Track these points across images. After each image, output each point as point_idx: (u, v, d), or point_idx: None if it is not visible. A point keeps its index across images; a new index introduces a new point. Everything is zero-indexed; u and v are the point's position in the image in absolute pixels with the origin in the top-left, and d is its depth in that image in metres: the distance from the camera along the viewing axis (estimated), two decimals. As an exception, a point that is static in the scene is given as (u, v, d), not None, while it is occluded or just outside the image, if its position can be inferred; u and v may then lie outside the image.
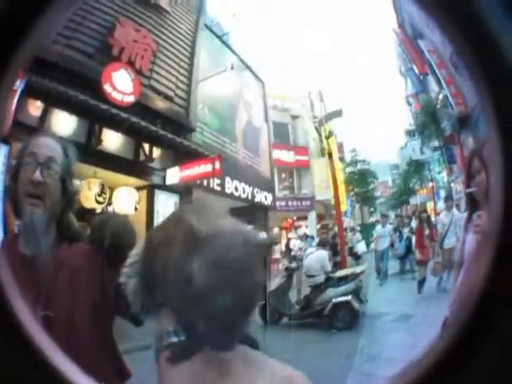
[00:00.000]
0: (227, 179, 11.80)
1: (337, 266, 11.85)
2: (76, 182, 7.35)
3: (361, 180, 30.60)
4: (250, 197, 13.27)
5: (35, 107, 7.33)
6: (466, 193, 2.21)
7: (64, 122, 7.61)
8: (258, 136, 15.41)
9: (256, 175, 14.32)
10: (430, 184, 30.53)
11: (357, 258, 16.12)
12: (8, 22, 0.38)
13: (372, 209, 40.18)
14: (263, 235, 0.95)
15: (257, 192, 13.80)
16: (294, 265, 8.93)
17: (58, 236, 1.46)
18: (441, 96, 20.37)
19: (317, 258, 8.04)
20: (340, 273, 8.41)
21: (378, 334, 6.90)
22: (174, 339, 0.81)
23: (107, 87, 8.22)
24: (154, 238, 0.85)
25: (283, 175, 21.32)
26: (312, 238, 15.76)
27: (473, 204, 2.18)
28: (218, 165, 8.95)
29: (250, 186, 13.22)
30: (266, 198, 14.58)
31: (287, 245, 19.09)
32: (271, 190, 15.39)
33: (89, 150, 7.79)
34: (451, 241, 7.87)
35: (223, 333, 0.79)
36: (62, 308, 1.34)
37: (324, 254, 8.33)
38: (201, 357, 0.81)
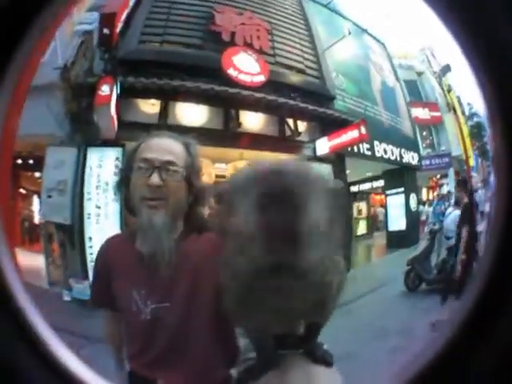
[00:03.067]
0: (375, 142, 10.48)
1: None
2: (221, 166, 6.85)
3: (478, 133, 27.38)
4: (398, 158, 12.01)
5: (148, 105, 6.96)
6: None
7: (192, 113, 7.15)
8: (395, 96, 13.98)
9: (401, 136, 12.96)
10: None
11: None
12: (8, 20, 0.38)
13: (487, 163, 35.78)
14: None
15: (404, 153, 12.43)
16: (436, 226, 7.96)
17: (186, 229, 1.33)
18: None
19: (453, 218, 7.03)
20: None
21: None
22: (251, 355, 0.98)
23: (231, 71, 7.43)
24: None
25: (424, 133, 19.02)
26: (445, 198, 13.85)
27: None
28: (363, 129, 7.95)
29: (397, 147, 11.88)
30: (412, 157, 13.10)
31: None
32: (416, 149, 13.96)
33: (229, 135, 7.29)
34: None
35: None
36: (179, 297, 1.25)
37: (458, 213, 7.11)
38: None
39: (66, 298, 5.77)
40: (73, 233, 6.21)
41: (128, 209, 1.34)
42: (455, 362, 0.39)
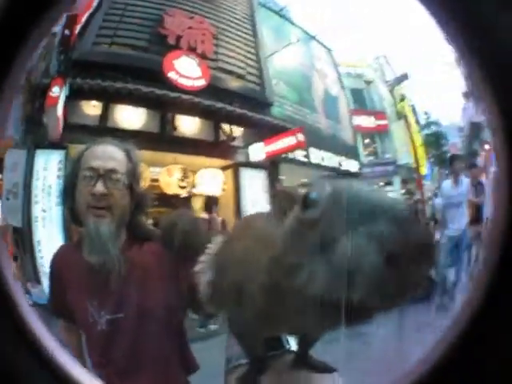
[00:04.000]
0: (312, 150, 10.62)
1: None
2: (155, 170, 7.37)
3: (435, 142, 28.07)
4: (336, 165, 12.10)
5: (90, 107, 7.01)
6: None
7: (130, 116, 7.21)
8: (337, 104, 14.14)
9: (340, 143, 13.08)
10: (487, 147, 27.38)
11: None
12: (8, 24, 0.37)
13: (447, 171, 36.76)
14: None
15: (343, 160, 12.56)
16: None
17: (129, 237, 1.34)
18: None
19: None
20: None
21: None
22: (242, 361, 0.91)
23: (172, 75, 7.56)
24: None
25: (366, 140, 19.42)
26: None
27: None
28: (300, 137, 8.18)
29: (335, 154, 12.05)
30: (352, 165, 13.27)
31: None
32: (356, 156, 14.11)
33: (164, 138, 7.44)
34: None
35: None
36: (132, 308, 1.26)
37: None
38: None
39: (28, 301, 5.67)
40: (24, 236, 6.17)
41: (73, 217, 1.33)
42: (462, 362, 0.38)
